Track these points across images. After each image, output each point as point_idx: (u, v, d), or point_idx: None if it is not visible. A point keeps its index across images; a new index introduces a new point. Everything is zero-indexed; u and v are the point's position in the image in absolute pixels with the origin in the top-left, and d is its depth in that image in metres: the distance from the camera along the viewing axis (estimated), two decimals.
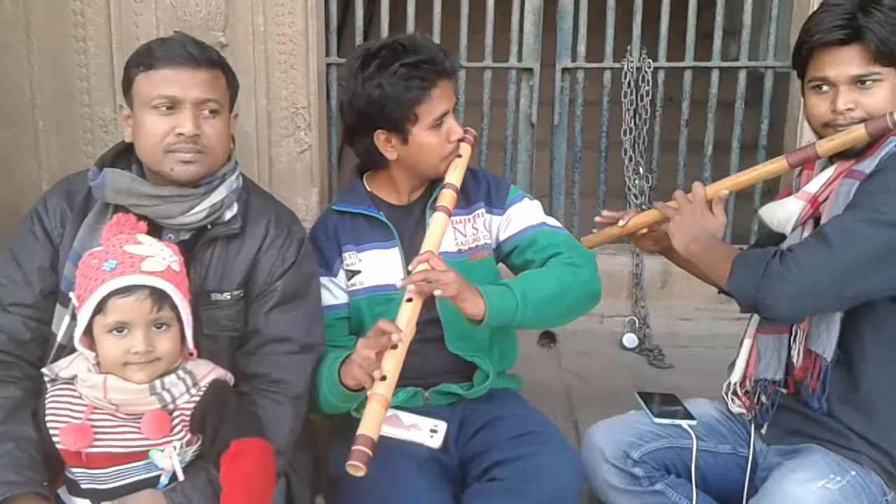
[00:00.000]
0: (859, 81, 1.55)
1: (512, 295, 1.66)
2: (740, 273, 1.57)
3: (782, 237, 1.69)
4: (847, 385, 1.59)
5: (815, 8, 2.62)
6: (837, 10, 1.56)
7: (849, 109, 1.56)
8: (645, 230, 1.88)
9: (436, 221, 1.72)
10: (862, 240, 1.47)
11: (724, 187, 1.74)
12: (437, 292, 1.58)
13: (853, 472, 1.55)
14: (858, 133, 1.55)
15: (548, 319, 1.83)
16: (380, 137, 1.77)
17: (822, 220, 1.59)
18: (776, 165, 1.71)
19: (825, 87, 1.59)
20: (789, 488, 1.52)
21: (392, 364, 1.51)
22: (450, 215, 1.74)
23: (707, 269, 1.68)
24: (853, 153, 1.59)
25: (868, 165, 1.56)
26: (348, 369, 1.59)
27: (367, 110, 1.74)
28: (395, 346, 1.50)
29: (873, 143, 1.57)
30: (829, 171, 1.63)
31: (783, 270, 1.50)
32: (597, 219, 1.92)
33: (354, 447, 1.40)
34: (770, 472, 1.62)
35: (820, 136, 1.63)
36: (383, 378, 1.49)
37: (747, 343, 1.75)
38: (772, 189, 3.10)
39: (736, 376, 1.76)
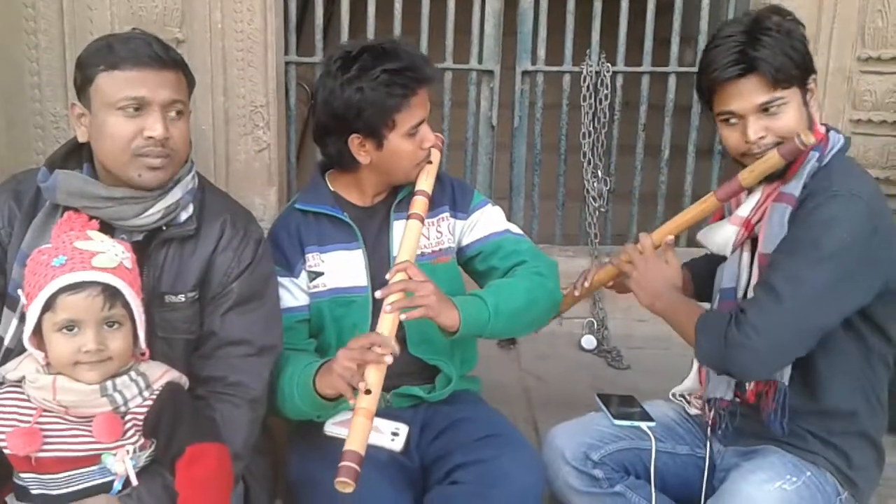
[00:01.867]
0: (764, 109, 1.56)
1: (485, 307, 1.67)
2: (704, 343, 1.59)
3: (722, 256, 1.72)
4: (805, 397, 1.61)
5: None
6: (728, 45, 1.57)
7: (760, 138, 1.57)
8: (610, 283, 1.89)
9: (410, 230, 1.71)
10: (808, 284, 1.49)
11: (667, 233, 1.75)
12: (403, 316, 1.57)
13: (808, 473, 1.57)
14: (774, 160, 1.56)
15: (514, 330, 1.86)
16: (354, 142, 1.75)
17: (760, 243, 1.61)
18: (708, 203, 1.72)
19: (733, 120, 1.60)
20: (746, 489, 1.54)
21: (376, 377, 1.50)
22: (423, 222, 1.74)
23: (675, 329, 1.70)
24: (778, 175, 1.60)
25: (795, 187, 1.58)
26: (326, 379, 1.57)
27: (344, 113, 1.71)
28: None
29: (794, 161, 1.58)
30: (758, 194, 1.65)
31: (742, 338, 1.51)
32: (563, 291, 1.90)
33: (342, 463, 1.39)
34: (728, 473, 1.64)
35: (741, 165, 1.64)
36: (368, 392, 1.48)
37: (695, 366, 1.78)
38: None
39: (685, 388, 1.80)
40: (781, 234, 1.56)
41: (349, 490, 1.38)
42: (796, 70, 1.55)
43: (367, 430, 1.46)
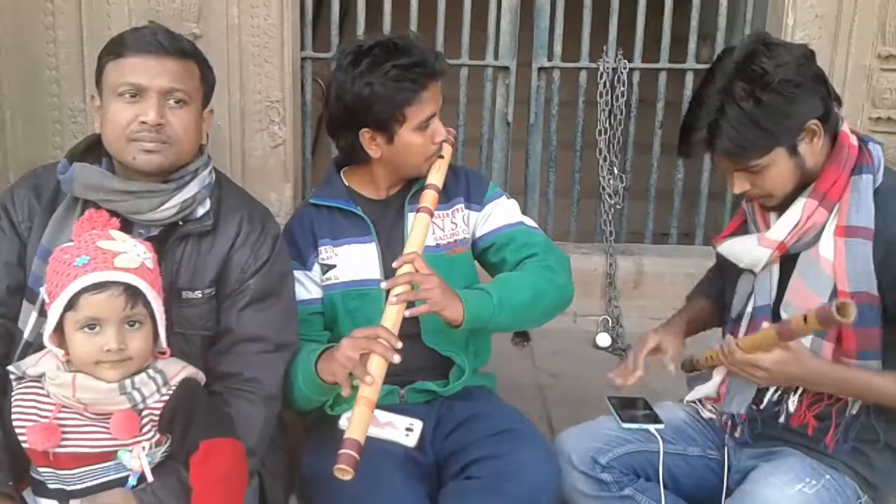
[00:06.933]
0: (745, 169, 1.52)
1: (490, 301, 1.67)
2: None
3: (736, 268, 1.66)
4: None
5: (788, 14, 2.72)
6: (693, 125, 1.52)
7: (747, 191, 1.54)
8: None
9: (419, 222, 1.72)
10: None
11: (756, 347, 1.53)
12: (410, 312, 1.59)
13: (828, 476, 1.55)
14: (834, 322, 1.36)
15: (520, 324, 1.86)
16: (365, 135, 1.76)
17: (842, 280, 1.49)
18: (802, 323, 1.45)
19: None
20: (765, 491, 1.53)
21: (378, 367, 1.51)
22: (432, 216, 1.75)
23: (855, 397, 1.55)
24: (808, 182, 1.53)
25: (867, 218, 1.48)
26: (327, 365, 1.58)
27: (354, 107, 1.72)
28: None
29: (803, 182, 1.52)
30: (794, 216, 1.55)
31: None
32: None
33: (341, 451, 1.40)
34: (744, 475, 1.63)
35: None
36: (370, 382, 1.48)
37: (716, 378, 1.72)
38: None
39: (701, 395, 1.76)
40: (868, 271, 1.47)
41: (348, 477, 1.39)
42: (769, 140, 1.46)
43: (368, 419, 1.47)
